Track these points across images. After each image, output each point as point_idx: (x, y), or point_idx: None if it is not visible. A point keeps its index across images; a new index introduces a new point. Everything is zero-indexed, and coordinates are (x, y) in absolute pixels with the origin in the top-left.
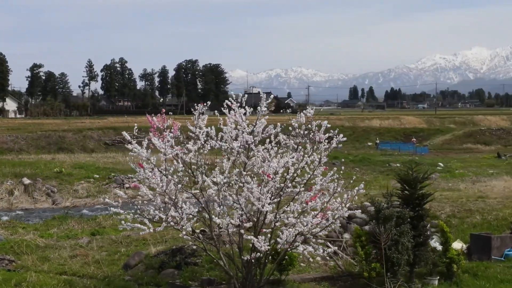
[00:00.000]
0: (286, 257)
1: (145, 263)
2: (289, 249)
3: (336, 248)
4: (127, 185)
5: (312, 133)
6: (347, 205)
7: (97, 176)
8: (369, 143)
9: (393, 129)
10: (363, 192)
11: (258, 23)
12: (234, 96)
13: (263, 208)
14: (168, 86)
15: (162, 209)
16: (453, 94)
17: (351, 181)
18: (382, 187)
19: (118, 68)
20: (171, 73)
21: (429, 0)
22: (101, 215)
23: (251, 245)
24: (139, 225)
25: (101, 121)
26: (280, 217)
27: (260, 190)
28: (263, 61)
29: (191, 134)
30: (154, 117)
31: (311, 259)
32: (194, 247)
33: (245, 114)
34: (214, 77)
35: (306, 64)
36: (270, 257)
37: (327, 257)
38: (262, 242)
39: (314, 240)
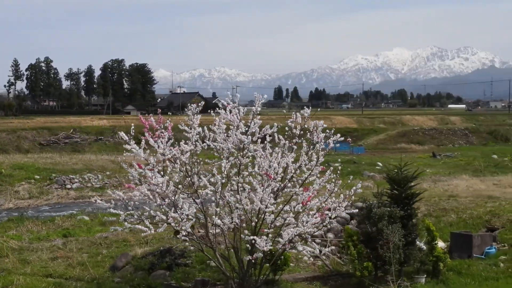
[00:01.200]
0: (281, 257)
1: (134, 265)
2: (288, 249)
3: (324, 248)
4: (68, 186)
5: (309, 133)
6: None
7: (38, 177)
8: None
9: (327, 129)
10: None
11: (181, 22)
12: (230, 96)
13: (266, 208)
14: (94, 86)
15: (162, 210)
16: (376, 94)
17: (348, 181)
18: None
19: (44, 68)
20: (97, 73)
21: (351, 1)
22: (59, 217)
23: (248, 245)
24: (140, 226)
25: (31, 121)
26: (281, 217)
27: (263, 190)
28: (186, 61)
29: (186, 134)
30: (151, 117)
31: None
32: (182, 247)
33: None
34: (141, 76)
35: (229, 64)
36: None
37: (315, 257)
38: (264, 242)
39: (309, 239)
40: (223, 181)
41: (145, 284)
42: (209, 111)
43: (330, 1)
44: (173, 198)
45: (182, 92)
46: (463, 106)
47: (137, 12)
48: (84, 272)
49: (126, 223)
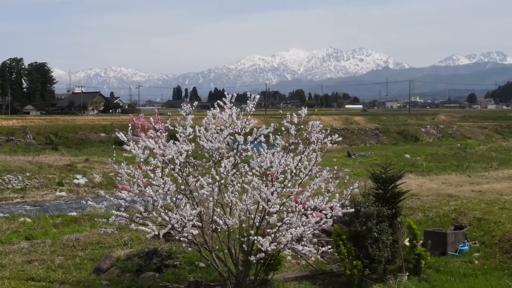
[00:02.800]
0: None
1: (119, 267)
2: (287, 249)
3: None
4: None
5: (305, 133)
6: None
7: None
8: None
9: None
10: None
11: (78, 21)
12: (227, 96)
13: (270, 208)
14: None
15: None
16: (275, 95)
17: (345, 181)
18: None
19: None
20: None
21: (248, 1)
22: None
23: (245, 246)
24: (143, 228)
25: None
26: (283, 217)
27: (269, 191)
28: (82, 60)
29: (181, 134)
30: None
31: (289, 258)
32: (167, 249)
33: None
34: (40, 76)
35: (126, 63)
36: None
37: (298, 256)
38: (268, 242)
39: (305, 239)
40: (223, 181)
41: (135, 286)
42: (110, 110)
43: (227, 1)
44: (174, 198)
45: (82, 91)
46: (360, 106)
47: (34, 9)
48: (67, 275)
49: (132, 225)
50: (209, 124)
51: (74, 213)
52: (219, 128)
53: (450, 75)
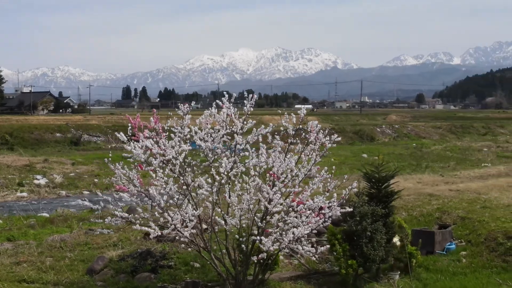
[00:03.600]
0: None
1: (113, 268)
2: (288, 249)
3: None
4: None
5: (304, 133)
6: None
7: None
8: None
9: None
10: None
11: (25, 20)
12: (227, 96)
13: (274, 208)
14: None
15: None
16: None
17: (344, 180)
18: None
19: None
20: None
21: (197, 2)
22: None
23: (243, 246)
24: (147, 228)
25: None
26: (283, 216)
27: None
28: (29, 60)
29: (179, 134)
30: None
31: (281, 258)
32: (161, 249)
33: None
34: None
35: (73, 63)
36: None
37: (290, 256)
38: (270, 242)
39: (304, 239)
40: (223, 181)
41: (130, 287)
42: (61, 110)
43: (176, 1)
44: (176, 199)
45: (31, 91)
46: (310, 106)
47: None
48: (59, 276)
49: (137, 226)
50: (207, 124)
51: (45, 214)
52: (217, 128)
53: (398, 75)
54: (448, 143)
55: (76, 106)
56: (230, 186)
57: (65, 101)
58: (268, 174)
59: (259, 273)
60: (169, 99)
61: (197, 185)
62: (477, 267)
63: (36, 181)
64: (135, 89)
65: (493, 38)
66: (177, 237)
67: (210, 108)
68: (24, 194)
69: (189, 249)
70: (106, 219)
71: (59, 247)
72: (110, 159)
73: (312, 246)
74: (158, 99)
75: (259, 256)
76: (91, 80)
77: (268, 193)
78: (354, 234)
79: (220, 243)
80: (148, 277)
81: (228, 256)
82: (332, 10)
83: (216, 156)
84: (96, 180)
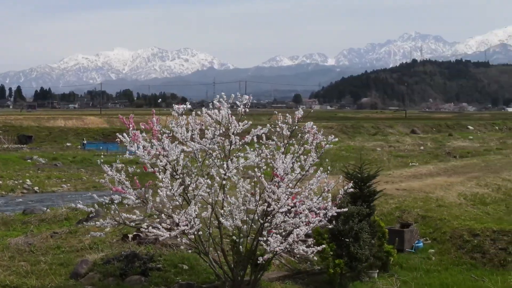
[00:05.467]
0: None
1: (100, 271)
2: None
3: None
4: None
5: (300, 134)
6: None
7: None
8: (68, 144)
9: (91, 129)
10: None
11: None
12: (224, 96)
13: (280, 209)
14: None
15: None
16: (102, 94)
17: (340, 180)
18: None
19: None
20: None
21: (70, 1)
22: None
23: (241, 247)
24: (157, 231)
25: None
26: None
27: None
28: None
29: (177, 135)
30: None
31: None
32: (145, 251)
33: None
34: None
35: None
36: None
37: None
38: (276, 243)
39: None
40: (224, 182)
41: None
42: None
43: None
44: (179, 201)
45: None
46: (189, 106)
47: None
48: (42, 281)
49: (143, 227)
50: (196, 124)
51: None
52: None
53: (274, 76)
54: (342, 143)
55: None
56: (228, 187)
57: None
58: (273, 175)
59: (256, 273)
60: (45, 98)
61: (194, 186)
62: (447, 264)
63: None
64: (10, 89)
65: (366, 40)
66: (178, 239)
67: (206, 108)
68: None
69: (190, 250)
70: (98, 222)
71: (29, 251)
72: (102, 160)
73: (308, 246)
74: (33, 98)
75: (265, 256)
76: None
77: (274, 193)
78: (341, 234)
79: (216, 244)
80: (139, 280)
81: (224, 258)
82: (208, 10)
83: (209, 157)
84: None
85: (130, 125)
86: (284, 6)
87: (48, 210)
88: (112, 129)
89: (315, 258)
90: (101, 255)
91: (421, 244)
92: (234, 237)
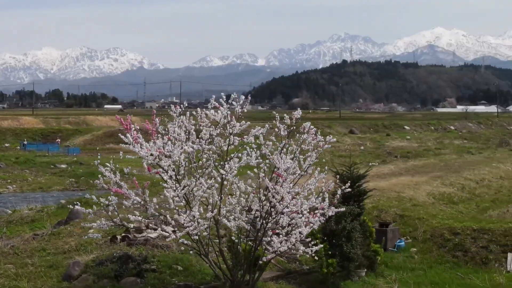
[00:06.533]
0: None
1: (94, 273)
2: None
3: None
4: None
5: (297, 134)
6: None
7: None
8: (7, 144)
9: (29, 129)
10: None
11: None
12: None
13: (284, 209)
14: None
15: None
16: (31, 94)
17: (337, 180)
18: None
19: None
20: None
21: None
22: None
23: (239, 247)
24: (163, 232)
25: None
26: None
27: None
28: None
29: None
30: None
31: None
32: (138, 253)
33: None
34: None
35: None
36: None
37: None
38: (280, 243)
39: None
40: (225, 182)
41: None
42: None
43: None
44: (184, 201)
45: None
46: (119, 106)
47: None
48: (33, 283)
49: (158, 230)
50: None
51: None
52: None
53: (204, 76)
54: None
55: None
56: (228, 187)
57: None
58: (275, 175)
59: (255, 274)
60: None
61: (194, 186)
62: (431, 263)
63: None
64: None
65: (296, 41)
66: (180, 240)
67: (203, 109)
68: None
69: (191, 251)
70: (96, 223)
71: (13, 254)
72: (99, 161)
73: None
74: None
75: (268, 257)
76: None
77: (278, 193)
78: (334, 234)
79: (215, 245)
80: (134, 281)
81: (223, 258)
82: (137, 9)
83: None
84: None
85: (130, 126)
86: (214, 6)
87: (9, 211)
88: (51, 129)
89: (316, 257)
90: (91, 257)
91: (403, 243)
92: (233, 238)
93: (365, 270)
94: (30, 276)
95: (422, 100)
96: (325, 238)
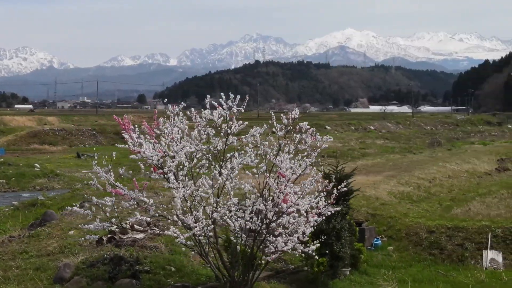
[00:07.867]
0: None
1: (86, 275)
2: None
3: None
4: None
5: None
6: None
7: None
8: None
9: None
10: None
11: None
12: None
13: (289, 209)
14: None
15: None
16: None
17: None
18: None
19: None
20: None
21: None
22: None
23: (239, 247)
24: (171, 233)
25: None
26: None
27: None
28: None
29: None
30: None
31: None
32: (128, 254)
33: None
34: None
35: None
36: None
37: None
38: (283, 242)
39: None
40: (227, 182)
41: None
42: None
43: None
44: (188, 203)
45: None
46: (30, 106)
47: None
48: (23, 286)
49: (170, 230)
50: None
51: None
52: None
53: (116, 75)
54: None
55: None
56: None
57: None
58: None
59: (253, 273)
60: None
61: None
62: (409, 261)
63: None
64: None
65: (208, 41)
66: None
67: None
68: None
69: (193, 251)
70: (92, 224)
71: None
72: (96, 161)
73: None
74: None
75: (272, 256)
76: None
77: (282, 193)
78: (324, 233)
79: (212, 244)
80: (130, 283)
81: (221, 258)
82: (48, 8)
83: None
84: None
85: (130, 126)
86: (125, 6)
87: None
88: None
89: (316, 256)
90: (81, 259)
91: (380, 241)
92: (232, 238)
93: (349, 268)
94: (19, 279)
95: (334, 100)
96: (315, 237)
